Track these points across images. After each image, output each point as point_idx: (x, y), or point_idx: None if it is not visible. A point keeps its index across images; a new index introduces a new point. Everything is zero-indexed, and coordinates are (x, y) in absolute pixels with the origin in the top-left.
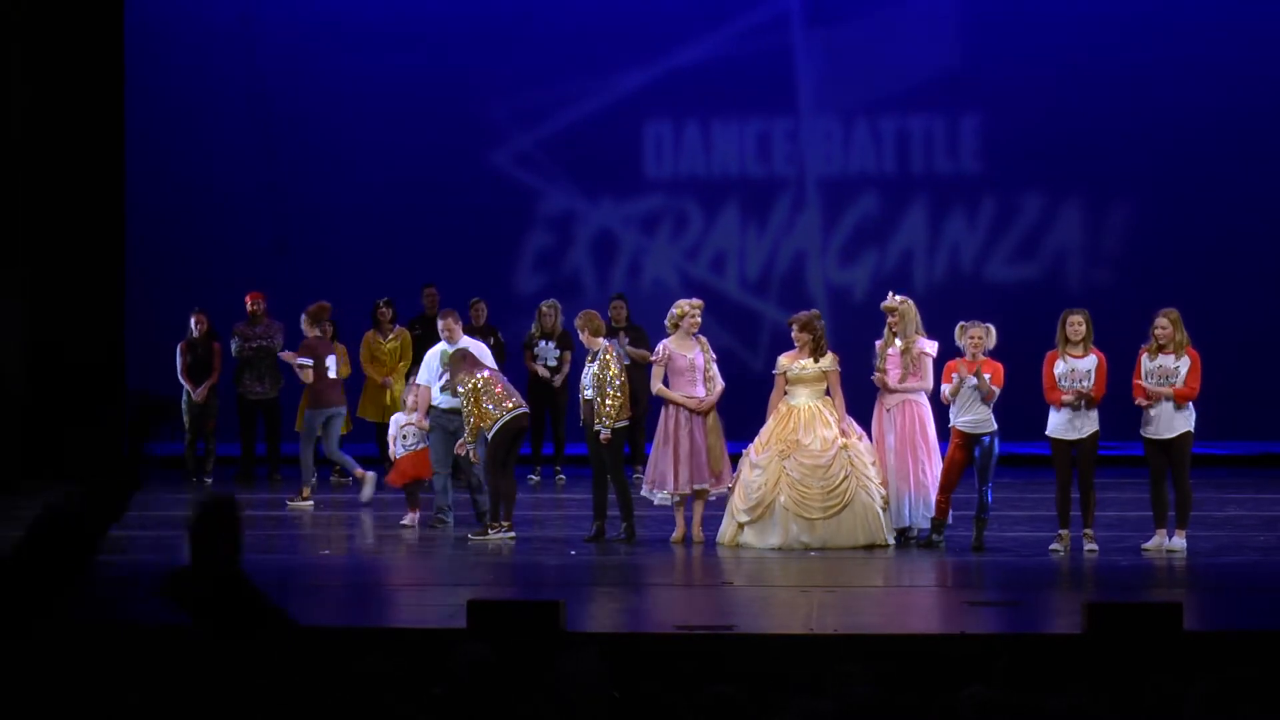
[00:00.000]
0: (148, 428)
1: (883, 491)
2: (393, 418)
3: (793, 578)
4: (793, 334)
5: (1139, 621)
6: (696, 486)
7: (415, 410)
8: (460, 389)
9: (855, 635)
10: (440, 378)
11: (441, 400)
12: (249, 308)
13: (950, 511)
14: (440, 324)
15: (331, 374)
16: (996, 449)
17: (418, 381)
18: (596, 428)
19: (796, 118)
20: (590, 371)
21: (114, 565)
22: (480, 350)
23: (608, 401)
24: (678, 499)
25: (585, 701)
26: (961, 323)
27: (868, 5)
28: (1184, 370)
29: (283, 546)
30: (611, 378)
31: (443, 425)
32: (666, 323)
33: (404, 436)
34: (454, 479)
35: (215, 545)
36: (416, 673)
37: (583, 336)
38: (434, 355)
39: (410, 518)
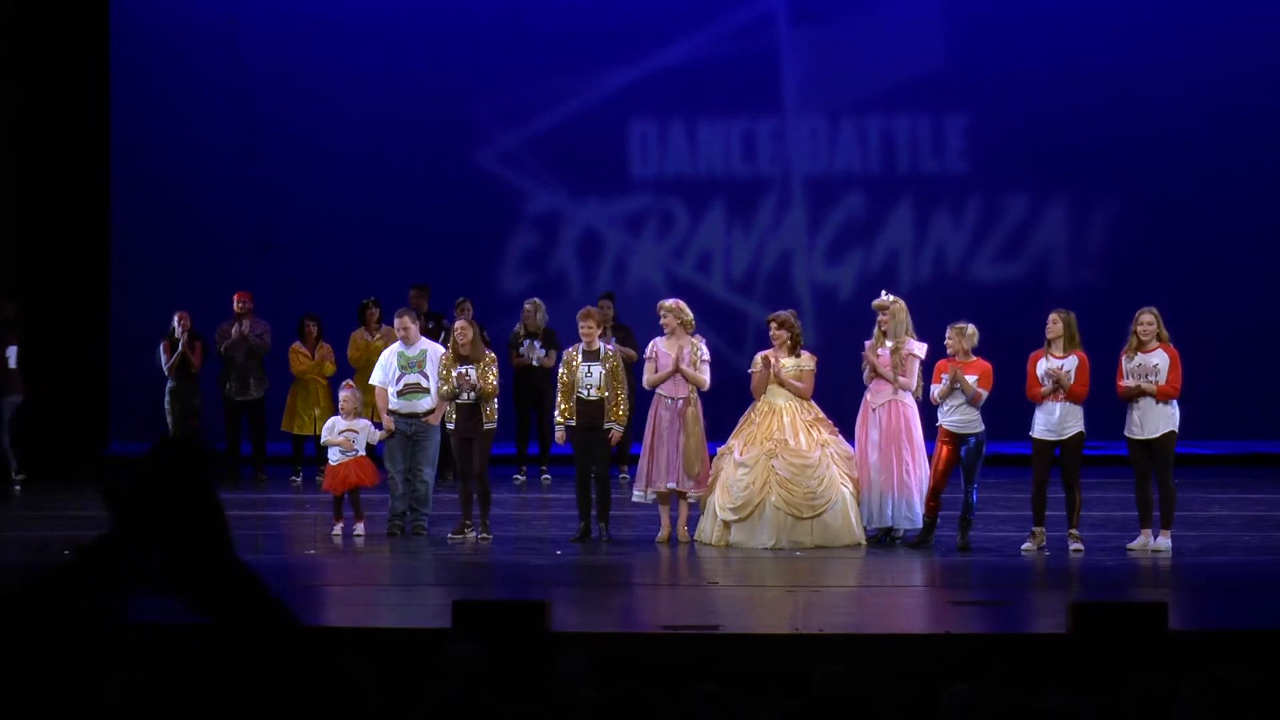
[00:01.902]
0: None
1: (853, 490)
2: (329, 422)
3: (778, 577)
4: (771, 331)
5: (1124, 621)
6: (669, 485)
7: (356, 415)
8: (490, 367)
9: (841, 635)
10: (406, 370)
11: (400, 404)
12: (235, 307)
13: (939, 512)
14: (396, 322)
15: (11, 364)
16: (983, 450)
17: (373, 382)
18: (608, 425)
19: (782, 117)
20: (599, 372)
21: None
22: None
23: (620, 400)
24: (654, 496)
25: (569, 700)
26: (952, 325)
27: (853, 5)
28: (1164, 368)
29: (267, 547)
30: (620, 375)
31: (400, 429)
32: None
33: (346, 443)
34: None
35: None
36: (402, 672)
37: (588, 332)
38: (390, 355)
39: (339, 527)
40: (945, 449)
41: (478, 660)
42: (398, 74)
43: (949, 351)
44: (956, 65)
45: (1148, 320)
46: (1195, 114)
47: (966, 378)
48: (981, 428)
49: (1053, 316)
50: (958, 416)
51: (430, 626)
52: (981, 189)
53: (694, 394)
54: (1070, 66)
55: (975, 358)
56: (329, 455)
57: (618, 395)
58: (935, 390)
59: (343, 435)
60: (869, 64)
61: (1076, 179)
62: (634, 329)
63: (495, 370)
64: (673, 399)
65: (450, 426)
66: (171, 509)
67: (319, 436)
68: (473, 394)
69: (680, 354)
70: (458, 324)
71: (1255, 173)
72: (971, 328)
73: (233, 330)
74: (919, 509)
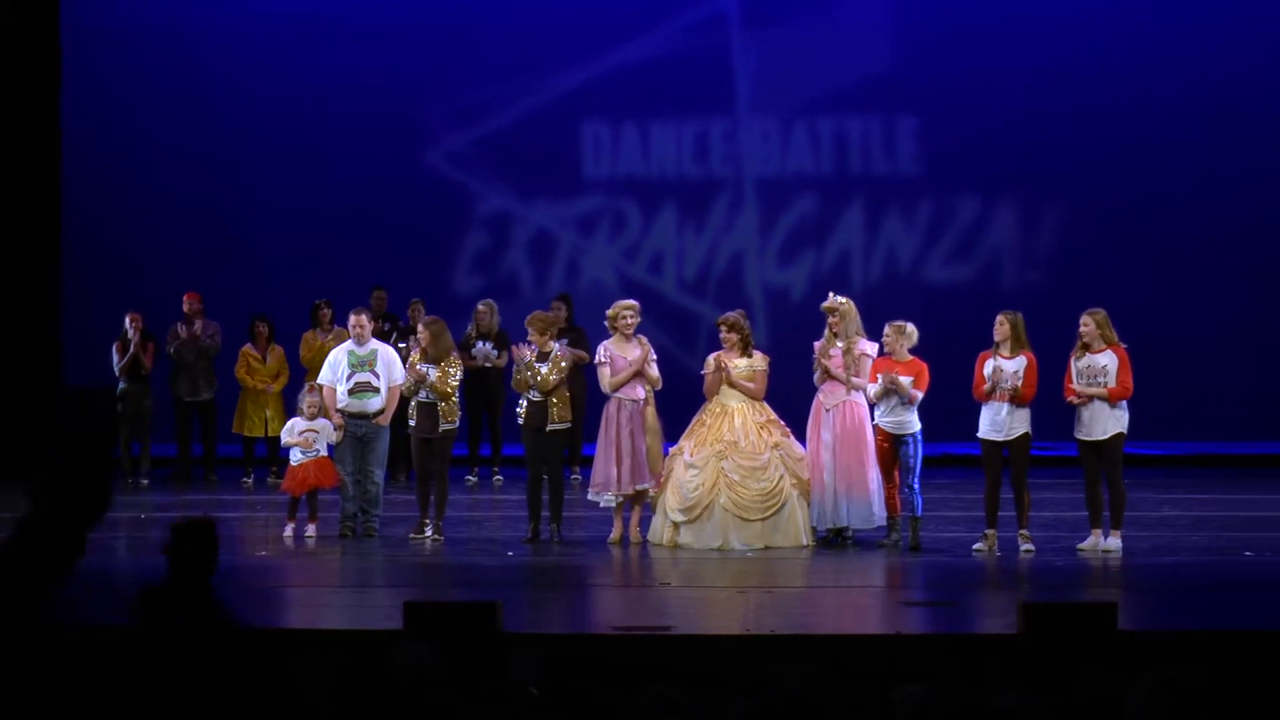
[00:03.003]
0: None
1: (803, 492)
2: (289, 423)
3: (730, 578)
4: (721, 334)
5: (1074, 621)
6: (638, 487)
7: (315, 416)
8: (451, 368)
9: (792, 635)
10: (347, 367)
11: (350, 403)
12: (185, 308)
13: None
14: (352, 319)
15: None
16: (920, 449)
17: (320, 381)
18: (552, 428)
19: (734, 119)
20: (541, 373)
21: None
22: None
23: (556, 402)
24: (620, 500)
25: (516, 700)
26: (891, 323)
27: (805, 7)
28: (1113, 369)
29: (219, 548)
30: (560, 380)
31: (350, 431)
32: (606, 323)
33: (306, 443)
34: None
35: (192, 568)
36: (354, 674)
37: (538, 338)
38: (339, 354)
39: (291, 528)
40: (885, 449)
41: (430, 661)
42: (350, 75)
43: (885, 349)
44: (908, 67)
45: (1084, 323)
46: (1144, 117)
47: (901, 378)
48: (918, 427)
49: (1000, 318)
50: (893, 417)
51: (382, 628)
52: (932, 191)
53: (650, 393)
54: (1021, 70)
55: (912, 357)
56: (290, 456)
57: (557, 396)
58: (871, 390)
59: (303, 435)
60: (821, 66)
61: (1026, 181)
62: (586, 330)
63: (455, 371)
64: (633, 400)
65: (412, 423)
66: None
67: (271, 439)
68: (429, 393)
69: (649, 361)
70: (420, 324)
71: (1203, 176)
72: (910, 326)
73: (182, 331)
74: (876, 510)
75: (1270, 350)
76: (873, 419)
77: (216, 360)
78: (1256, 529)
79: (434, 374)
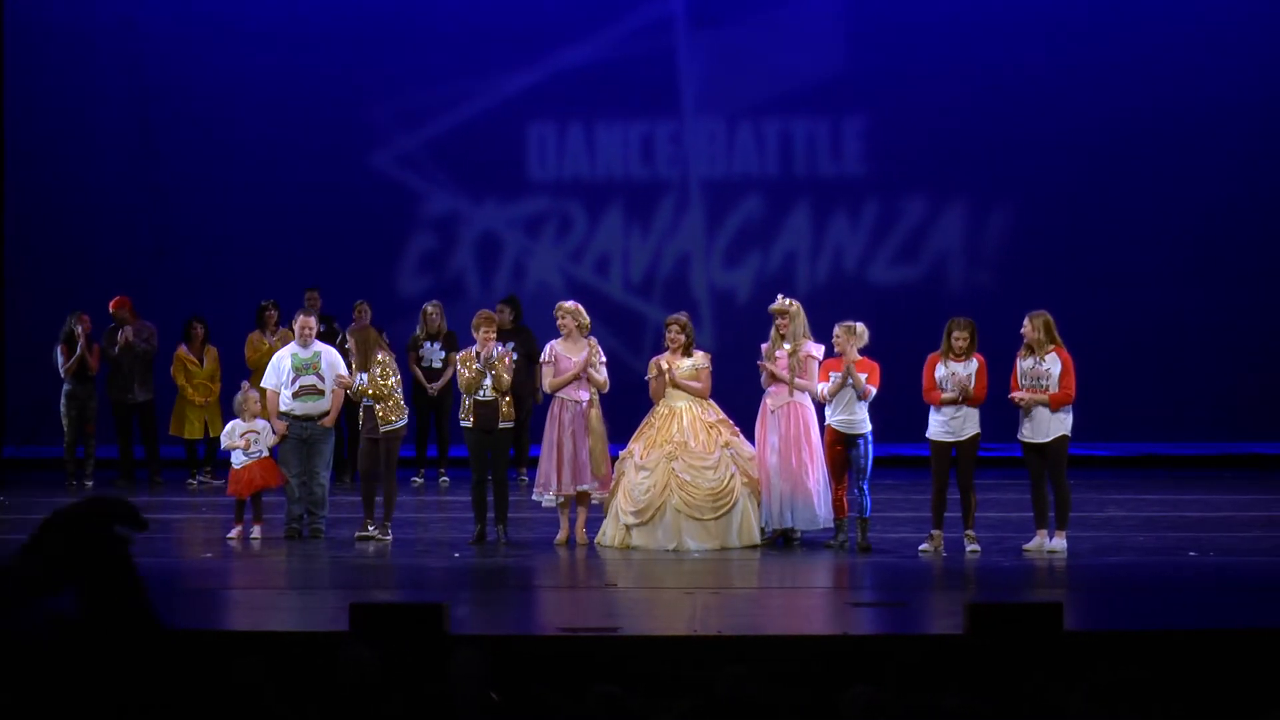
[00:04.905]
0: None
1: (753, 491)
2: (229, 425)
3: (677, 579)
4: (671, 334)
5: (1020, 622)
6: (579, 488)
7: (255, 417)
8: (379, 373)
9: (739, 637)
10: (300, 370)
11: (296, 405)
12: (112, 313)
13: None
14: (300, 320)
15: None
16: (871, 450)
17: (264, 385)
18: (503, 425)
19: (680, 120)
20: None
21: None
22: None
23: (506, 400)
24: (561, 500)
25: (468, 702)
26: (841, 323)
27: (752, 8)
28: (1056, 372)
29: (163, 550)
30: (511, 378)
31: (295, 433)
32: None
33: (247, 445)
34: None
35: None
36: (299, 676)
37: (484, 336)
38: (282, 357)
39: (238, 530)
40: (836, 449)
41: (373, 663)
42: (295, 76)
43: (836, 350)
44: (854, 69)
45: (1026, 325)
46: (1093, 118)
47: (858, 373)
48: (869, 427)
49: (962, 333)
50: (844, 416)
51: (327, 630)
52: (878, 192)
53: (595, 395)
54: (967, 70)
55: (862, 357)
56: (231, 459)
57: (504, 393)
58: (824, 388)
59: (243, 437)
60: (767, 67)
61: (973, 182)
62: (533, 330)
63: (384, 372)
64: (576, 401)
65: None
66: (76, 555)
67: (210, 439)
68: (365, 397)
69: (597, 364)
70: (347, 333)
71: (1151, 177)
72: (861, 326)
73: (119, 336)
74: (820, 511)
75: (1215, 352)
76: (823, 420)
77: (155, 361)
78: (1200, 529)
79: (365, 379)
